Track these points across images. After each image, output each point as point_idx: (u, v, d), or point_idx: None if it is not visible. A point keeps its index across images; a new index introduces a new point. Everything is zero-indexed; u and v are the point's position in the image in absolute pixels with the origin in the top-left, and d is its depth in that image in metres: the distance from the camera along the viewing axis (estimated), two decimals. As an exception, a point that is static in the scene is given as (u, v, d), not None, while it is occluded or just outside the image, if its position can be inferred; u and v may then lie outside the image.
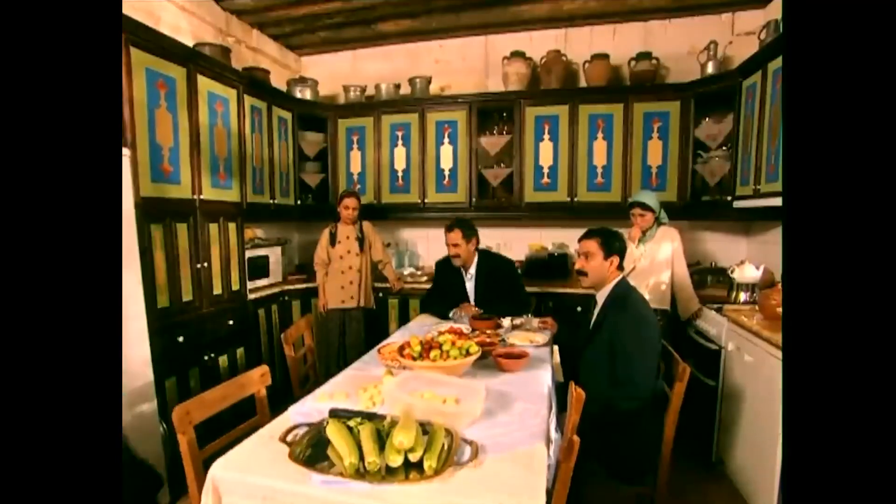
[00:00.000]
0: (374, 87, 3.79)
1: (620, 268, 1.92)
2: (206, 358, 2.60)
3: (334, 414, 1.31)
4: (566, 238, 3.72)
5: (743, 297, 2.55)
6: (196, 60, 2.53)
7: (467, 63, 3.87)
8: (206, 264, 2.60)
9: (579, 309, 3.15)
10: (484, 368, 1.76)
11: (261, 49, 3.66)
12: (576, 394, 1.44)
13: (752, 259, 3.15)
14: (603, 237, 1.89)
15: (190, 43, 2.73)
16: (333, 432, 1.18)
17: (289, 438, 1.22)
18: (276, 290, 3.28)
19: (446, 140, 3.58)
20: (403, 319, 3.39)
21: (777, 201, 2.38)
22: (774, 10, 3.15)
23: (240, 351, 2.89)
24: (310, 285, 3.52)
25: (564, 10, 3.35)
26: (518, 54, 3.50)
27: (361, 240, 3.23)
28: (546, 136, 3.40)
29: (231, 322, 2.80)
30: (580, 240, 1.95)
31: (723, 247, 3.47)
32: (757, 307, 2.34)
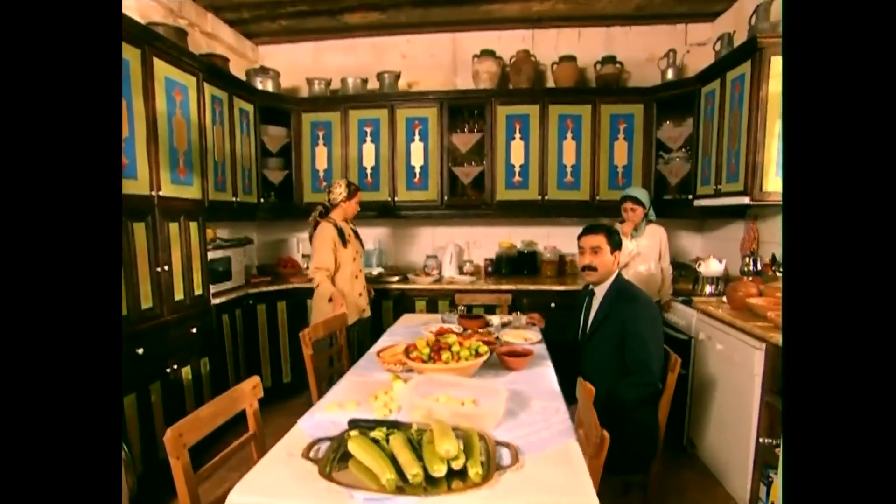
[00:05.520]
0: (339, 81, 3.65)
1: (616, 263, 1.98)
2: (168, 370, 2.37)
3: (356, 424, 1.23)
4: (535, 235, 3.81)
5: (708, 289, 2.72)
6: (152, 42, 2.29)
7: (435, 60, 3.83)
8: (166, 267, 2.36)
9: (553, 305, 3.23)
10: (487, 368, 1.74)
11: (216, 35, 3.39)
12: (586, 389, 1.46)
13: (706, 253, 3.39)
14: (607, 232, 1.95)
15: (140, 23, 2.47)
16: (358, 448, 1.10)
17: (311, 455, 1.13)
18: (239, 293, 3.06)
19: (417, 137, 3.52)
20: (375, 320, 3.29)
21: (736, 200, 2.57)
22: (722, 25, 3.40)
23: (204, 361, 2.66)
24: (274, 288, 3.33)
25: (534, 10, 3.40)
26: (488, 53, 3.51)
27: (359, 238, 2.91)
28: (517, 135, 3.44)
29: (194, 330, 2.57)
30: (583, 235, 1.98)
31: (679, 243, 3.69)
32: (724, 298, 2.52)
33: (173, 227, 2.43)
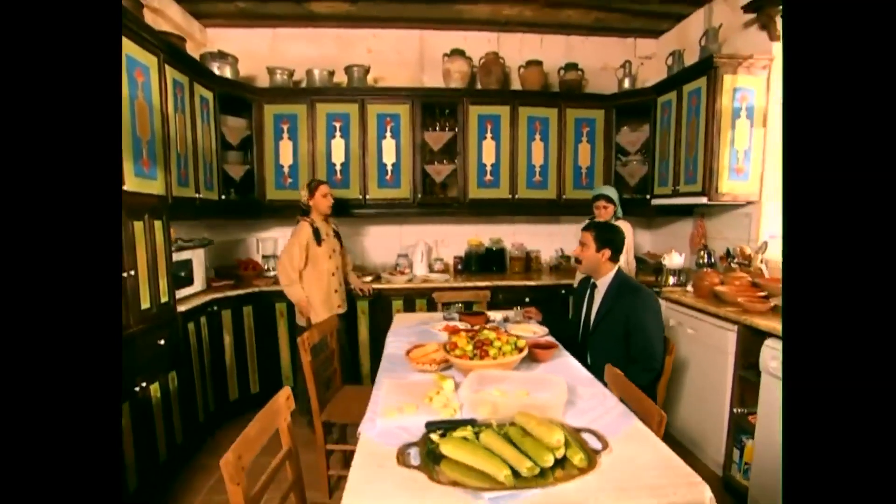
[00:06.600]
0: (303, 72, 3.46)
1: (614, 259, 2.12)
2: (136, 389, 2.09)
3: (435, 426, 1.20)
4: (501, 233, 3.92)
5: (672, 280, 3.01)
6: (112, 15, 1.99)
7: (402, 56, 3.78)
8: (132, 272, 2.08)
9: (527, 300, 3.35)
10: (515, 362, 1.78)
11: (162, 12, 3.03)
12: (616, 374, 1.56)
13: (654, 248, 3.74)
14: (597, 231, 2.10)
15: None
16: (456, 449, 1.08)
17: (405, 462, 1.08)
18: (204, 298, 2.77)
19: (389, 134, 3.45)
20: (351, 321, 3.18)
21: (695, 200, 2.89)
22: (666, 42, 3.78)
23: (172, 375, 2.38)
24: (240, 292, 3.07)
25: (503, 14, 3.50)
26: (458, 52, 3.54)
27: (339, 237, 2.99)
28: (489, 135, 3.52)
29: (162, 342, 2.29)
30: (582, 231, 2.13)
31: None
32: (689, 288, 2.80)
33: (138, 227, 2.14)
